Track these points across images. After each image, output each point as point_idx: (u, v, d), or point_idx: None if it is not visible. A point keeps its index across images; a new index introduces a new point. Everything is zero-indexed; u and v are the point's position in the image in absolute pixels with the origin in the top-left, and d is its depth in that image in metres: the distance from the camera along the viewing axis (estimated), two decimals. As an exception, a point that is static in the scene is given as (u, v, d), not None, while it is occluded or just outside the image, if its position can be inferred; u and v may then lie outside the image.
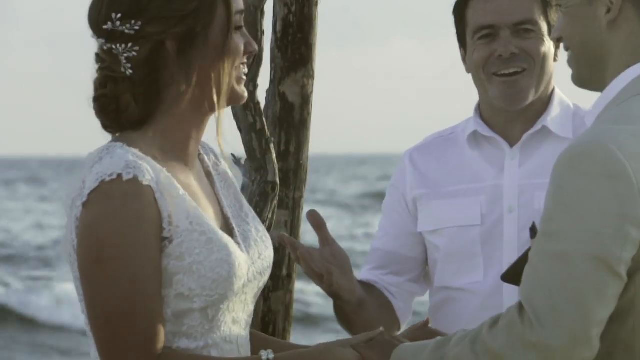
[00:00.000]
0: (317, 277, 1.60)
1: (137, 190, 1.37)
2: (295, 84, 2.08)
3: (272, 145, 2.01)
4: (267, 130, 2.03)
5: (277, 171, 2.00)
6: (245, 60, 1.51)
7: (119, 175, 1.37)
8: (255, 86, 2.01)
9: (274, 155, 2.04)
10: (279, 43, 2.06)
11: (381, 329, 1.54)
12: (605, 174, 1.31)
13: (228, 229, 1.51)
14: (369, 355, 1.45)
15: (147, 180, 1.38)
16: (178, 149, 1.52)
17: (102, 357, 1.40)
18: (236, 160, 2.09)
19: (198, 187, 1.53)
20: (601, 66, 1.44)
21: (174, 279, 1.41)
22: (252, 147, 2.02)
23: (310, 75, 2.06)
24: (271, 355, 1.46)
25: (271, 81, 2.13)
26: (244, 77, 1.52)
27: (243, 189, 1.96)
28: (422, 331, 1.55)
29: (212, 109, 1.49)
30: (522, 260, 1.50)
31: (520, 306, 1.32)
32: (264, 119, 2.08)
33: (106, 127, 1.48)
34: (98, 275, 1.36)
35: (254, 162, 2.03)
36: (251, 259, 1.49)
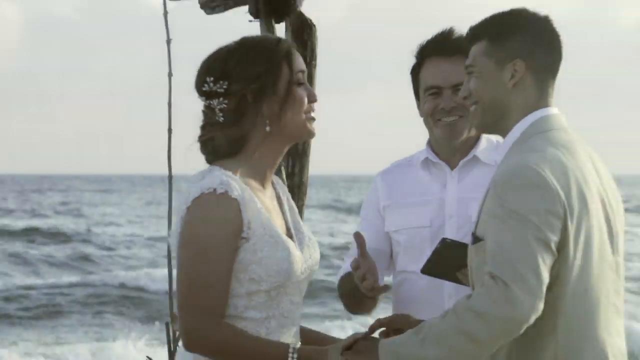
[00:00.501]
0: (361, 279, 1.96)
1: (226, 201, 1.76)
2: None
3: (282, 168, 2.51)
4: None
5: (285, 186, 2.59)
6: (312, 107, 1.88)
7: (214, 190, 1.75)
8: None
9: (284, 175, 2.57)
10: None
11: (365, 331, 1.83)
12: (534, 185, 1.74)
13: (289, 235, 1.86)
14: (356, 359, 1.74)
15: (235, 195, 1.74)
16: (259, 174, 1.88)
17: (179, 316, 1.79)
18: None
19: (270, 203, 1.90)
20: (505, 116, 1.86)
21: (248, 267, 1.77)
22: None
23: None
24: (297, 345, 1.79)
25: None
26: (313, 118, 1.87)
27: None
28: (365, 339, 1.81)
29: (285, 145, 1.90)
30: (432, 259, 2.01)
31: (492, 276, 1.68)
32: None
33: (207, 159, 1.87)
34: (182, 255, 1.77)
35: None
36: (304, 258, 1.83)
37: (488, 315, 1.71)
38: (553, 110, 1.86)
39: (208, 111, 1.86)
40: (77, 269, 18.12)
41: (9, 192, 49.09)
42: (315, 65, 2.56)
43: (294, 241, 1.88)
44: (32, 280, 16.58)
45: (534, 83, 1.83)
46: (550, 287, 1.75)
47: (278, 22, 2.63)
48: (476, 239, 1.83)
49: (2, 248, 19.85)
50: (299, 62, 1.90)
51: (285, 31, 2.60)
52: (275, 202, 1.94)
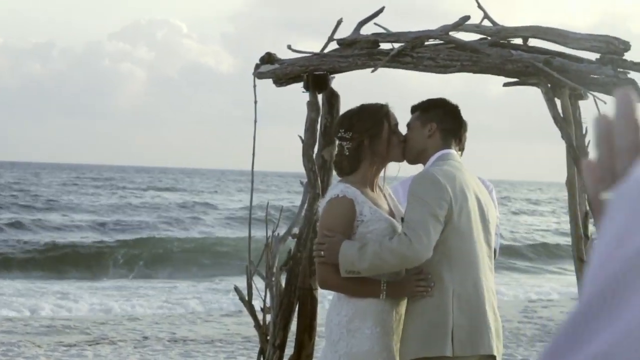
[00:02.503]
0: None
1: (345, 201, 2.90)
2: (328, 152, 3.80)
3: (318, 177, 3.75)
4: (316, 171, 3.80)
5: (320, 188, 3.75)
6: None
7: (337, 195, 2.93)
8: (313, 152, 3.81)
9: (319, 182, 3.79)
10: (323, 132, 3.83)
11: None
12: (430, 182, 2.92)
13: (391, 215, 3.00)
14: None
15: (350, 197, 2.88)
16: (370, 183, 2.99)
17: (316, 269, 3.13)
18: (302, 183, 3.89)
19: (379, 201, 3.00)
20: (423, 154, 3.07)
21: (364, 237, 2.90)
22: (310, 178, 3.84)
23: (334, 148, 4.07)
24: (385, 279, 2.95)
25: (318, 150, 3.87)
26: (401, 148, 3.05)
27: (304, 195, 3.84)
28: None
29: (384, 166, 3.06)
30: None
31: (404, 232, 2.86)
32: (315, 167, 3.79)
33: (338, 175, 3.04)
34: (318, 233, 3.05)
35: (310, 185, 3.83)
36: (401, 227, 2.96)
37: (396, 252, 2.91)
38: (452, 150, 3.15)
39: (340, 148, 3.05)
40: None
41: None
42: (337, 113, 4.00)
43: (394, 218, 3.05)
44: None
45: (440, 136, 3.14)
46: (444, 242, 2.94)
47: (319, 92, 3.86)
48: (402, 219, 3.06)
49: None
50: (394, 118, 3.05)
51: (323, 97, 3.87)
52: (381, 196, 3.10)
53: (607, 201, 0.51)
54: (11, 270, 15.51)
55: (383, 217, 2.99)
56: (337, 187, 3.06)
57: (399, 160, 3.15)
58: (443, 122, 3.22)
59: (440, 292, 3.00)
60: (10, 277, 14.48)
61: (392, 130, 3.03)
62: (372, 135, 2.97)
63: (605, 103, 3.72)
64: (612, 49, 3.68)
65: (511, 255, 18.04)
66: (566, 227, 5.94)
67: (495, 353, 3.13)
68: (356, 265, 2.97)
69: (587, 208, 3.80)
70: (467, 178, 3.18)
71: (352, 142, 2.99)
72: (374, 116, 2.99)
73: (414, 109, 3.27)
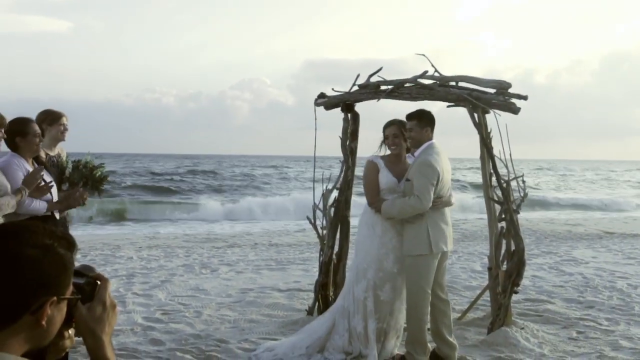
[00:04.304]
0: None
1: (374, 164, 5.84)
2: (354, 144, 7.02)
3: (349, 159, 7.34)
4: (348, 155, 7.27)
5: (350, 164, 7.31)
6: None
7: (371, 159, 5.91)
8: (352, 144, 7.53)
9: (350, 161, 7.24)
10: (350, 134, 7.41)
11: None
12: (430, 165, 5.50)
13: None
14: None
15: (377, 162, 5.80)
16: (394, 158, 5.88)
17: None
18: (340, 161, 7.09)
19: (397, 167, 5.86)
20: (419, 144, 5.73)
21: (382, 188, 5.84)
22: (346, 158, 7.25)
23: (357, 143, 7.58)
24: None
25: (348, 144, 7.11)
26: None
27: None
28: None
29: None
30: None
31: (414, 193, 5.45)
32: (348, 152, 7.24)
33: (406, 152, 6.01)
34: (363, 183, 5.93)
35: (345, 161, 7.24)
36: (401, 186, 5.81)
37: (411, 205, 5.46)
38: (434, 140, 5.77)
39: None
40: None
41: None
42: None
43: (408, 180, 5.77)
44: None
45: (429, 132, 5.84)
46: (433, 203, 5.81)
47: (348, 113, 7.02)
48: (407, 180, 5.63)
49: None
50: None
51: (350, 115, 7.24)
52: (401, 166, 5.89)
53: None
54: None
55: (390, 177, 6.01)
56: (370, 157, 6.11)
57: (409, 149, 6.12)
58: (430, 124, 5.97)
59: (421, 219, 5.78)
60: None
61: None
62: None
63: (500, 115, 6.98)
64: (502, 86, 6.96)
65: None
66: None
67: (449, 249, 5.95)
68: (391, 214, 5.70)
69: (491, 173, 7.09)
70: (443, 159, 5.82)
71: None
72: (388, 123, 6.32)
73: (411, 117, 5.98)
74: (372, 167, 5.94)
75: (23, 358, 1.68)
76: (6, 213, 4.96)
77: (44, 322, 1.69)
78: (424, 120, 5.88)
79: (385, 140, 6.07)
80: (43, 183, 5.32)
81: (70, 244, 1.76)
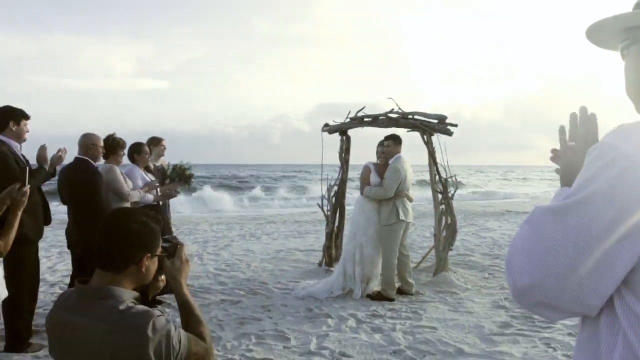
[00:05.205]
0: None
1: (368, 168, 7.52)
2: (347, 156, 9.65)
3: (343, 165, 9.80)
4: (343, 162, 9.84)
5: (344, 169, 9.71)
6: None
7: (367, 164, 7.68)
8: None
9: (344, 166, 9.90)
10: (344, 150, 9.97)
11: None
12: (397, 170, 7.26)
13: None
14: None
15: (370, 167, 7.63)
16: (381, 166, 7.61)
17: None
18: (338, 167, 9.77)
19: (383, 172, 7.54)
20: (393, 156, 8.61)
21: (372, 180, 9.28)
22: (341, 165, 9.82)
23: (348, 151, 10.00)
24: None
25: (342, 155, 9.70)
26: None
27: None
28: None
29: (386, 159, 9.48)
30: None
31: (384, 186, 8.22)
32: (343, 161, 9.66)
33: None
34: (360, 178, 9.17)
35: (341, 167, 9.83)
36: None
37: (381, 193, 7.25)
38: (401, 154, 7.48)
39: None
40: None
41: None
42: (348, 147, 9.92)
43: (381, 176, 7.57)
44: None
45: (399, 148, 7.76)
46: (398, 193, 7.35)
47: (343, 135, 9.55)
48: (383, 178, 7.32)
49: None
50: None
51: (344, 138, 9.73)
52: (383, 167, 7.70)
53: (558, 170, 1.19)
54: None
55: (375, 177, 7.93)
56: (367, 162, 7.48)
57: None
58: (399, 143, 7.31)
59: (393, 201, 7.48)
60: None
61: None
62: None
63: (439, 137, 9.32)
64: (441, 118, 9.45)
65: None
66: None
67: (410, 221, 7.65)
68: (369, 195, 7.07)
69: (436, 174, 9.47)
70: (407, 165, 7.52)
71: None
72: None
73: (388, 138, 7.47)
74: (366, 169, 7.59)
75: (134, 291, 1.90)
76: (133, 201, 6.48)
77: (143, 270, 1.91)
78: (396, 140, 7.49)
79: (377, 154, 7.80)
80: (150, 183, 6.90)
81: (158, 221, 1.96)
